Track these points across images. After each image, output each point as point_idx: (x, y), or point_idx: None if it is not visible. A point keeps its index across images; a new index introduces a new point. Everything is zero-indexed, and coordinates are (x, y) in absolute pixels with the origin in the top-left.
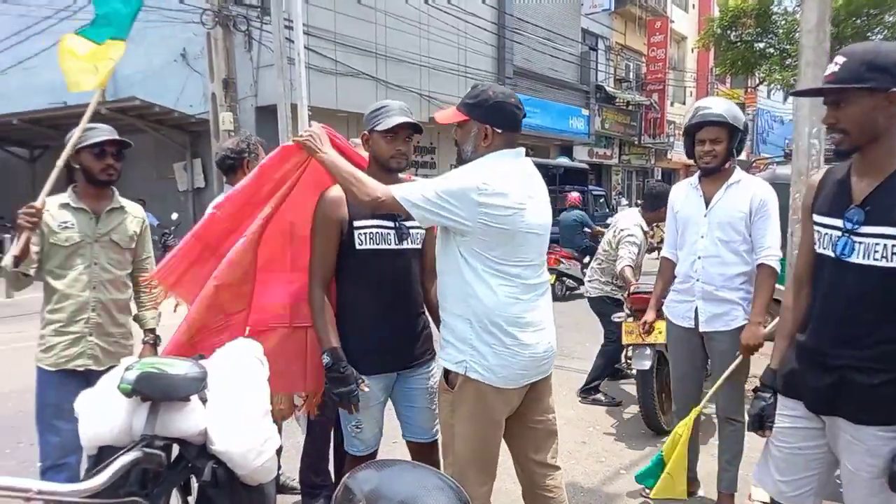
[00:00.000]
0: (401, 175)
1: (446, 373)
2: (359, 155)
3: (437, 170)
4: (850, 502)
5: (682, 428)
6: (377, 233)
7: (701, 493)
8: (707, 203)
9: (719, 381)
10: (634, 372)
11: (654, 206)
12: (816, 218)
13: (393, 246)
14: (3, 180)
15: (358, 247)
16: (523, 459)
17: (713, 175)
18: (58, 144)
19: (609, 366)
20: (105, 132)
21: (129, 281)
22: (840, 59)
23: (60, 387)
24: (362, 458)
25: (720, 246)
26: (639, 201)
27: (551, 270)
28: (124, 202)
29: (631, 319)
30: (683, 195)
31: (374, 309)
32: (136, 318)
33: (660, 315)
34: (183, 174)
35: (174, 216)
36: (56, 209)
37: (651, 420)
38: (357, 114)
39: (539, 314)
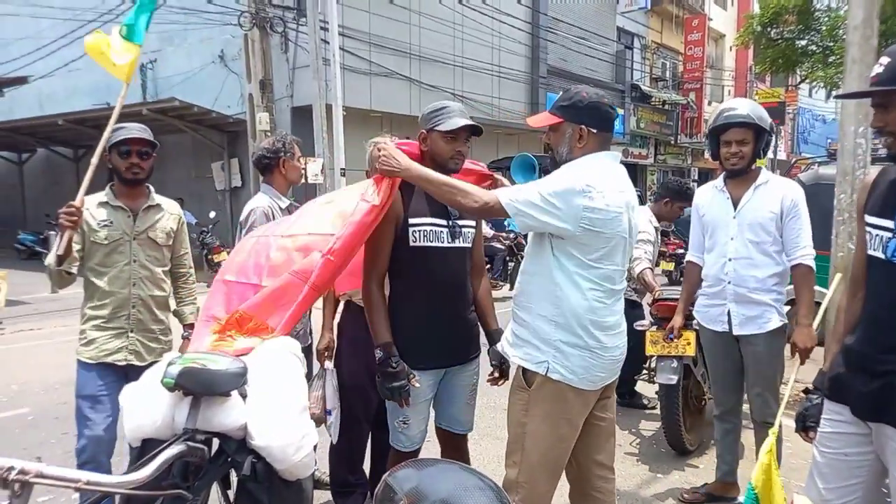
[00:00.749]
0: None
1: (523, 371)
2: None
3: None
4: None
5: (767, 455)
6: (431, 230)
7: (741, 498)
8: (735, 205)
9: (789, 388)
10: (657, 386)
11: (660, 198)
12: (868, 218)
13: (445, 244)
14: (48, 179)
15: (412, 243)
16: (583, 459)
17: (740, 177)
18: None
19: (631, 376)
20: (132, 131)
21: (167, 277)
22: (884, 60)
23: (99, 380)
24: (407, 455)
25: (751, 247)
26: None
27: (671, 256)
28: (160, 199)
29: (655, 328)
30: (709, 198)
31: (427, 305)
32: (176, 313)
33: (687, 325)
34: (220, 174)
35: (212, 214)
36: (95, 208)
37: (674, 438)
38: (391, 114)
39: (619, 318)
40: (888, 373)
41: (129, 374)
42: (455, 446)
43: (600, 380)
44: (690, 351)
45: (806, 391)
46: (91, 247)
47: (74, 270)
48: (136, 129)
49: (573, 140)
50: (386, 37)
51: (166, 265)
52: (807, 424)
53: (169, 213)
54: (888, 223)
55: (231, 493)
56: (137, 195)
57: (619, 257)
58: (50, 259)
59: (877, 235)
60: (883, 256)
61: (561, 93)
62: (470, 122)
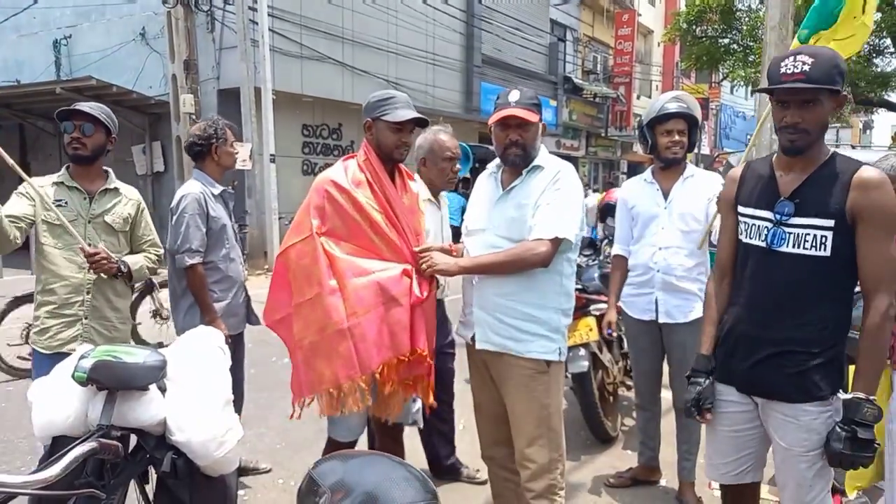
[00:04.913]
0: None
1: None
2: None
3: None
4: (783, 479)
5: None
6: None
7: (663, 482)
8: (665, 196)
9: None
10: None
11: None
12: (743, 210)
13: None
14: None
15: None
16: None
17: (670, 168)
18: (10, 124)
19: None
20: (79, 105)
21: None
22: (807, 59)
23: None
24: (345, 445)
25: (681, 237)
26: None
27: None
28: (119, 184)
29: None
30: (638, 190)
31: None
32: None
33: (587, 312)
34: (142, 157)
35: None
36: (49, 187)
37: (596, 427)
38: (323, 99)
39: None
40: (772, 350)
41: None
42: (392, 437)
43: None
44: (594, 336)
45: (688, 377)
46: (42, 225)
47: (19, 234)
48: (83, 105)
49: (540, 135)
50: (318, 20)
51: (124, 252)
52: (703, 406)
53: (127, 199)
54: (767, 214)
55: (150, 490)
56: (94, 177)
57: None
58: None
59: (753, 225)
60: (764, 245)
61: (519, 90)
62: (417, 114)
